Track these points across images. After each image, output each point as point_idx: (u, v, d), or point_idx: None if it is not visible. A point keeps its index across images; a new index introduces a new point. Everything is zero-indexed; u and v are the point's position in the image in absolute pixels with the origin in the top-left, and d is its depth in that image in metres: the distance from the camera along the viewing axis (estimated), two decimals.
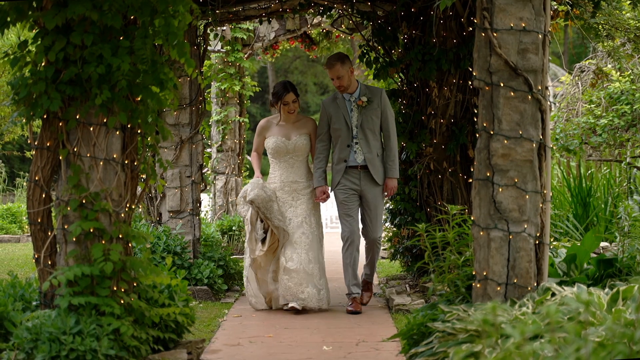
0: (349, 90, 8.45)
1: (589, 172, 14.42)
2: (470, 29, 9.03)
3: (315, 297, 8.32)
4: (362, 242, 8.61)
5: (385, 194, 8.51)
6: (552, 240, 8.90)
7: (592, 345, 2.82)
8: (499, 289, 5.61)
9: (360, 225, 8.60)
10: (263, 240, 8.37)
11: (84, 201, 5.71)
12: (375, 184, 8.43)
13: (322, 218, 8.78)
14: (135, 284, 5.96)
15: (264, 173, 8.88)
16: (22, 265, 12.19)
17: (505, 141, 5.66)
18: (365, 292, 8.82)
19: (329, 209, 21.55)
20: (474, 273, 5.79)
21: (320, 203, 8.58)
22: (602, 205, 11.60)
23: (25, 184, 19.66)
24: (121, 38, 5.72)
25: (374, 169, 8.40)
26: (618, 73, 14.10)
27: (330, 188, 8.56)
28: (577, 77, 15.70)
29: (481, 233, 5.69)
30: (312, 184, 8.55)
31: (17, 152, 24.24)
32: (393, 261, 10.86)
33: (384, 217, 9.61)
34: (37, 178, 5.81)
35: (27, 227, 17.46)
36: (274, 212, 8.29)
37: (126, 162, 5.90)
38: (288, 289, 8.29)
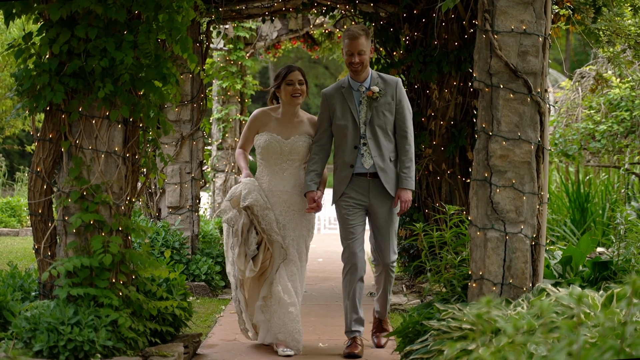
0: (360, 76, 6.74)
1: (587, 177, 14.47)
2: (472, 31, 9.09)
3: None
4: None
5: (397, 209, 6.75)
6: (548, 242, 8.94)
7: (584, 340, 2.86)
8: (494, 288, 5.66)
9: (367, 248, 7.00)
10: (254, 258, 6.67)
11: (84, 193, 5.75)
12: (388, 197, 6.69)
13: (315, 229, 7.03)
14: (134, 277, 6.01)
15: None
16: (21, 258, 12.21)
17: (504, 142, 5.71)
18: (379, 332, 7.06)
19: (329, 209, 21.49)
20: (470, 273, 5.83)
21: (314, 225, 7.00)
22: (600, 211, 11.64)
23: (26, 176, 19.70)
24: (125, 32, 5.77)
25: (385, 178, 6.66)
26: (618, 79, 14.16)
27: (331, 201, 6.90)
28: (577, 83, 15.75)
29: (478, 233, 5.74)
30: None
31: (18, 147, 24.28)
32: None
33: None
34: (38, 169, 5.85)
35: (26, 220, 17.47)
36: (272, 223, 6.63)
37: (127, 155, 5.94)
38: (284, 326, 6.63)
